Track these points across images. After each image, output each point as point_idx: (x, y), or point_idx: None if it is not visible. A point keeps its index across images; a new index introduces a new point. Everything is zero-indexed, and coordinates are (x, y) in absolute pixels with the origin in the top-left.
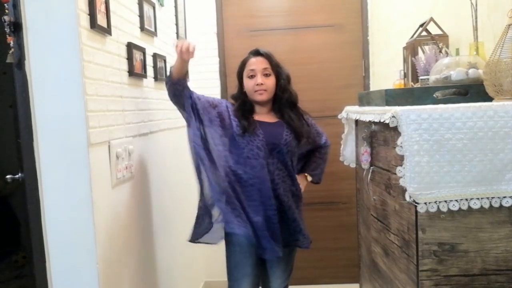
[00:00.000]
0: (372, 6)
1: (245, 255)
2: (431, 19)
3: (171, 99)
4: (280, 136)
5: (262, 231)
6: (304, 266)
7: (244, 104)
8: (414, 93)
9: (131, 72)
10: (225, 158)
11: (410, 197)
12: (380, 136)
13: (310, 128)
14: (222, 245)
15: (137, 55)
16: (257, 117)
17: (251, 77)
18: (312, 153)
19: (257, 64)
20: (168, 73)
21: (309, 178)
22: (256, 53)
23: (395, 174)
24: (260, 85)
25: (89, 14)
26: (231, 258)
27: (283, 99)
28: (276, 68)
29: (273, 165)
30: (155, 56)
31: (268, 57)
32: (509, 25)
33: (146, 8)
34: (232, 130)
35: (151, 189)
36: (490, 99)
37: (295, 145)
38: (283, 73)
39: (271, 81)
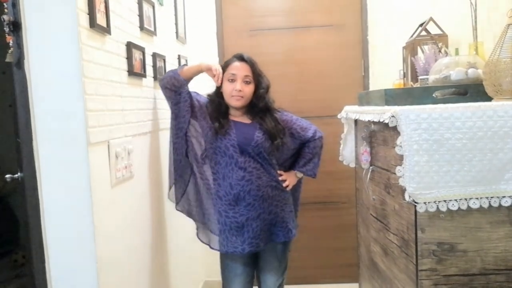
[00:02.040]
0: (371, 6)
1: (234, 256)
2: (431, 19)
3: (162, 88)
4: (251, 138)
5: (223, 226)
6: (303, 266)
7: (219, 106)
8: (414, 93)
9: (131, 72)
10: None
11: (409, 196)
12: (379, 136)
13: (284, 126)
14: None
15: (136, 54)
16: (232, 117)
17: (231, 81)
18: (302, 149)
19: (240, 69)
20: (176, 68)
21: (300, 175)
22: (240, 58)
23: (395, 173)
24: (238, 91)
25: (88, 14)
26: (222, 259)
27: (258, 107)
28: (257, 77)
29: (245, 163)
30: (154, 55)
31: (251, 64)
32: (509, 25)
33: (146, 7)
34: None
35: (151, 189)
36: (489, 99)
37: (270, 145)
38: (263, 82)
39: (249, 89)
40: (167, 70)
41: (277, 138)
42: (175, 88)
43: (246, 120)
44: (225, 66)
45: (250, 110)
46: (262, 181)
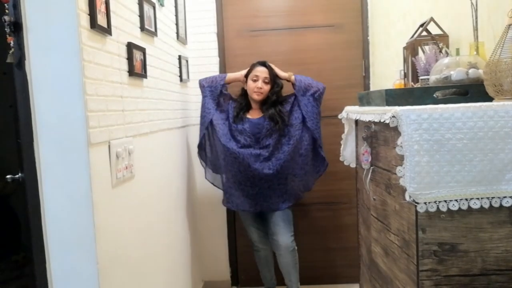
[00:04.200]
0: (372, 6)
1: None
2: (431, 19)
3: (205, 84)
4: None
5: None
6: (304, 266)
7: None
8: (414, 93)
9: (131, 72)
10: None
11: (410, 197)
12: (380, 136)
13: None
14: (221, 245)
15: (137, 55)
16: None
17: (254, 81)
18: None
19: (261, 72)
20: (223, 76)
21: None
22: (263, 64)
23: (395, 174)
24: (259, 88)
25: (89, 14)
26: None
27: (271, 100)
28: (273, 78)
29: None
30: (155, 56)
31: (270, 69)
32: (509, 25)
33: (146, 8)
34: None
35: (151, 189)
36: (490, 99)
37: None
38: (279, 82)
39: (268, 87)
40: (167, 70)
41: (278, 122)
42: (215, 88)
43: (259, 114)
44: (250, 69)
45: (264, 103)
46: None
